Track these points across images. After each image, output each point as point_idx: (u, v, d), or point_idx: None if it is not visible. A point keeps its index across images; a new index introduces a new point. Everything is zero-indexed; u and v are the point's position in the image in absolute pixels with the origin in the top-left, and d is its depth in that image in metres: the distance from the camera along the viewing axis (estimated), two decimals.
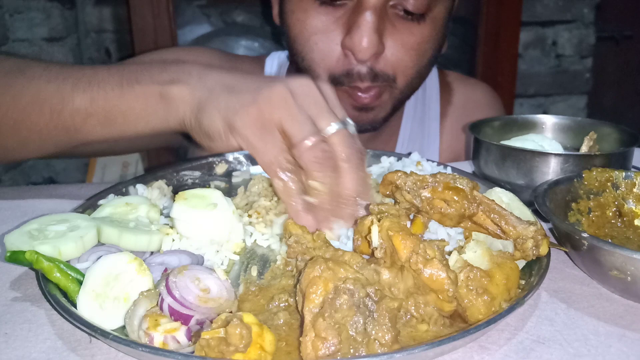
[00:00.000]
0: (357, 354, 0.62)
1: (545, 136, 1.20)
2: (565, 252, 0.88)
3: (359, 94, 1.26)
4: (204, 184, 1.09)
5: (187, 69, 0.95)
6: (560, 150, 1.14)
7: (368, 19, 1.16)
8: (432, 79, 1.57)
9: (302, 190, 0.85)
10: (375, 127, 1.34)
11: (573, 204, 0.94)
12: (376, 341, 0.63)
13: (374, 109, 1.29)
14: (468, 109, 1.58)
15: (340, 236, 0.84)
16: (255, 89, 0.86)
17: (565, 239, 0.84)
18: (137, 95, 0.95)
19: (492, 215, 0.80)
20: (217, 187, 1.06)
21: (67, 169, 3.01)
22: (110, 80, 0.98)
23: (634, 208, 0.95)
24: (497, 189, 0.90)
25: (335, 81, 1.25)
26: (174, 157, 1.69)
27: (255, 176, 1.02)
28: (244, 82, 0.89)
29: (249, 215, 0.91)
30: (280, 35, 1.40)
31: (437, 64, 1.66)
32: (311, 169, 0.83)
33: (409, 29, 1.23)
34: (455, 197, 0.80)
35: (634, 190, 0.96)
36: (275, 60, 1.56)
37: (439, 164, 1.09)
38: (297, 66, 1.32)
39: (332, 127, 0.84)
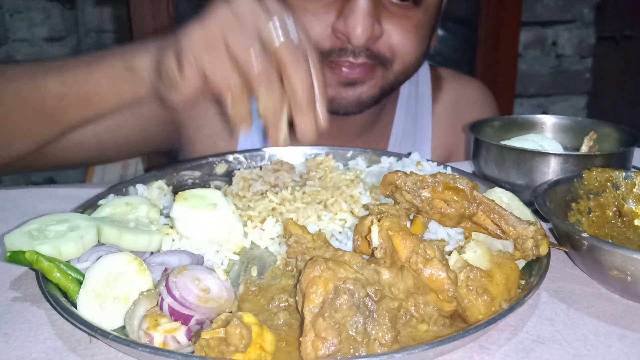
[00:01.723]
0: (357, 354, 0.62)
1: (545, 136, 1.20)
2: (565, 252, 0.88)
3: (347, 70, 1.22)
4: (204, 184, 1.09)
5: (148, 40, 1.01)
6: (560, 150, 1.14)
7: (362, 3, 1.15)
8: (424, 74, 1.56)
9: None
10: (361, 109, 1.30)
11: (573, 204, 0.94)
12: (376, 341, 0.63)
13: (363, 84, 1.25)
14: (460, 105, 1.57)
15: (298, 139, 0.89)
16: (200, 20, 0.89)
17: (565, 239, 0.84)
18: (103, 71, 1.02)
19: (492, 215, 0.80)
20: (217, 187, 1.06)
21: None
22: (78, 63, 1.06)
23: (634, 208, 0.95)
24: (497, 189, 0.90)
25: (324, 55, 1.22)
26: (173, 158, 1.69)
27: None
28: (194, 21, 0.92)
29: (249, 217, 0.91)
30: None
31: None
32: (257, 83, 0.86)
33: (405, 13, 1.22)
34: (455, 197, 0.80)
35: (634, 190, 0.96)
36: None
37: (439, 164, 1.09)
38: None
39: (276, 36, 0.86)
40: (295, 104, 0.88)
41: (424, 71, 1.56)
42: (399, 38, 1.22)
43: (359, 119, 1.36)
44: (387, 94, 1.32)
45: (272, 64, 0.87)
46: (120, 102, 1.05)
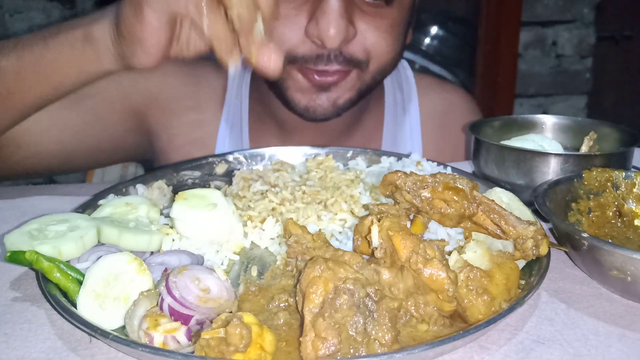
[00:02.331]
0: (357, 354, 0.62)
1: (545, 136, 1.20)
2: (565, 252, 0.88)
3: (321, 77, 1.17)
4: (204, 184, 1.09)
5: (105, 9, 0.96)
6: (560, 150, 1.14)
7: (332, 3, 1.10)
8: (410, 83, 1.54)
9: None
10: (339, 113, 1.25)
11: (573, 204, 0.94)
12: (376, 341, 0.63)
13: (338, 86, 1.21)
14: (448, 114, 1.55)
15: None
16: None
17: (565, 239, 0.84)
18: (61, 43, 0.96)
19: (492, 215, 0.80)
20: (217, 187, 1.06)
21: None
22: (34, 38, 1.00)
23: (634, 208, 0.95)
24: (497, 189, 0.90)
25: (298, 60, 1.17)
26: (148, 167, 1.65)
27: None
28: None
29: (249, 217, 0.91)
30: None
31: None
32: None
33: (379, 12, 1.18)
34: (455, 197, 0.80)
35: (634, 190, 0.96)
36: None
37: (439, 164, 1.09)
38: None
39: None
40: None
41: (409, 79, 1.54)
42: (373, 38, 1.18)
43: (337, 122, 1.32)
44: (365, 95, 1.29)
45: None
46: (82, 76, 0.99)
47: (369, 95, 1.33)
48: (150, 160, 1.48)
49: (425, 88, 1.56)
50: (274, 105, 1.34)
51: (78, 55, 0.96)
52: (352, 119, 1.39)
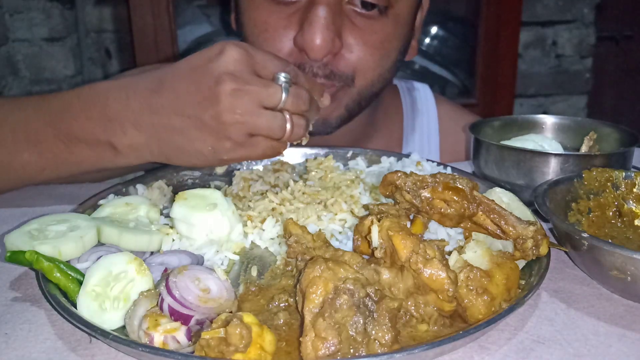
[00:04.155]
0: (357, 354, 0.62)
1: (545, 136, 1.20)
2: (565, 252, 0.88)
3: None
4: (204, 184, 1.09)
5: (113, 107, 0.92)
6: (560, 150, 1.14)
7: (320, 14, 1.08)
8: (431, 110, 1.54)
9: None
10: (329, 130, 1.22)
11: (573, 204, 0.94)
12: (376, 341, 0.63)
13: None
14: (463, 141, 1.53)
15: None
16: (198, 108, 0.86)
17: (565, 239, 0.84)
18: (84, 150, 0.95)
19: (492, 215, 0.80)
20: (217, 187, 1.06)
21: None
22: (47, 132, 0.96)
23: (634, 208, 0.95)
24: (497, 189, 0.90)
25: None
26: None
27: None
28: (172, 103, 0.88)
29: (248, 217, 0.91)
30: None
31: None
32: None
33: (370, 26, 1.15)
34: (455, 197, 0.80)
35: (634, 190, 0.96)
36: None
37: (439, 164, 1.09)
38: None
39: (283, 100, 0.88)
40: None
41: (431, 106, 1.54)
42: (360, 53, 1.15)
43: (343, 135, 1.31)
44: (355, 113, 1.26)
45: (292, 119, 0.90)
46: (102, 169, 1.00)
47: (372, 111, 1.32)
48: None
49: (448, 114, 1.56)
50: None
51: (101, 159, 0.95)
52: (351, 138, 1.37)
